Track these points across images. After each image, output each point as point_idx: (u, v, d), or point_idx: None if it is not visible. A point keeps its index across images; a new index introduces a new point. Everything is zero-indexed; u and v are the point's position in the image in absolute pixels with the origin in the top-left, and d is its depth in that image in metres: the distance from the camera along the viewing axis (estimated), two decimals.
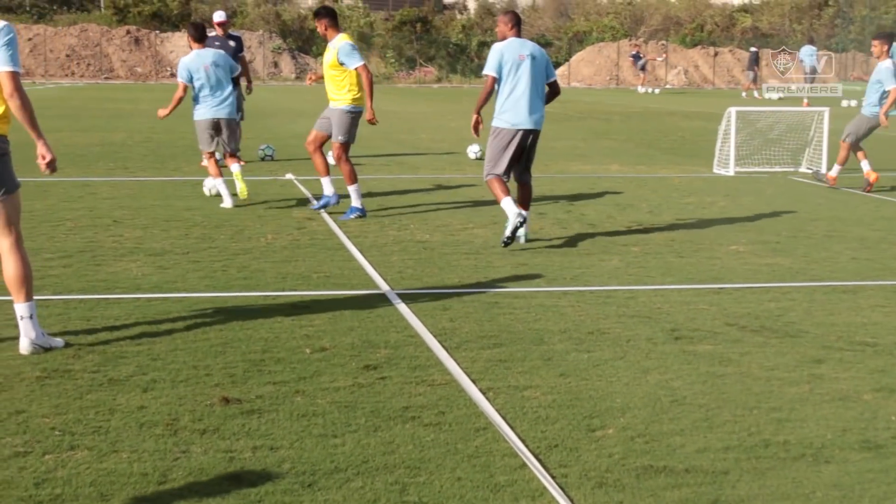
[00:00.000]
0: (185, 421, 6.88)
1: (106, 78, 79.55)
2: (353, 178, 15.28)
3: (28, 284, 8.39)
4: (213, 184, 16.46)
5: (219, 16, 22.44)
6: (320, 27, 15.49)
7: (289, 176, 19.68)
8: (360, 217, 14.94)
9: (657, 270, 11.89)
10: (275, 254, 12.47)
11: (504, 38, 13.40)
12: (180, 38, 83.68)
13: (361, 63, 15.09)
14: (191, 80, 15.75)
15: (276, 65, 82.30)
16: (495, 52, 13.21)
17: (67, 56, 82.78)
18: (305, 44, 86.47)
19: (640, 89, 70.64)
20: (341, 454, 6.37)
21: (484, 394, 7.50)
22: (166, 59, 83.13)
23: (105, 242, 12.97)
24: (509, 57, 13.00)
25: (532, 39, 14.04)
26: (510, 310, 9.95)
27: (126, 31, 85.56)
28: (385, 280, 11.08)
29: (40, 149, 8.56)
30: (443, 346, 8.64)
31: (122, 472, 6.05)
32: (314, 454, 6.36)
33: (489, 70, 13.17)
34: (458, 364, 8.17)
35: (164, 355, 8.29)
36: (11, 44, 8.26)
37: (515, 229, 12.72)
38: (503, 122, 13.15)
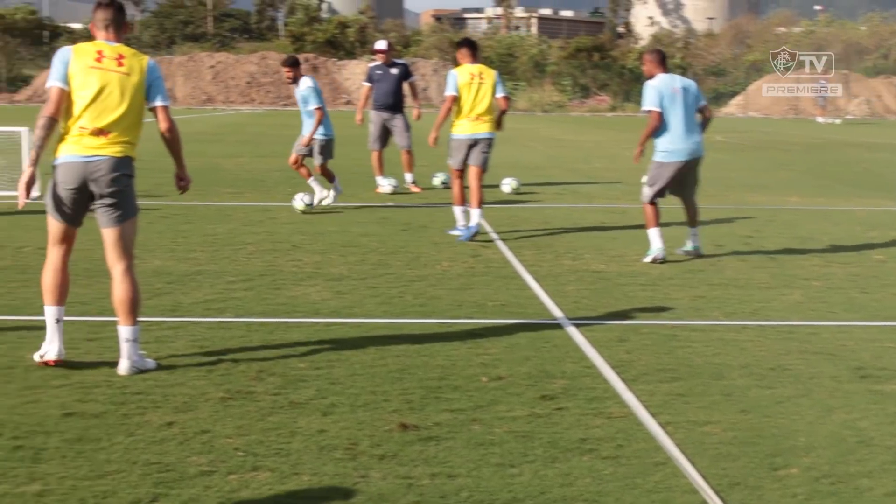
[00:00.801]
0: (364, 446, 6.94)
1: (284, 105, 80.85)
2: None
3: (136, 308, 8.65)
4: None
5: (380, 44, 22.66)
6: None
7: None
8: (473, 235, 15.61)
9: (840, 306, 11.67)
10: (450, 281, 12.52)
11: (652, 76, 13.76)
12: (356, 66, 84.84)
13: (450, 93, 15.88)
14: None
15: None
16: (652, 89, 13.56)
17: (248, 83, 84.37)
18: None
19: (820, 120, 69.57)
20: (518, 484, 6.36)
21: (663, 428, 7.42)
22: (342, 87, 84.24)
23: (285, 267, 13.16)
24: (666, 91, 13.31)
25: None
26: (688, 343, 9.84)
27: (304, 58, 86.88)
28: (561, 309, 11.04)
29: (182, 172, 9.08)
30: (620, 378, 8.58)
31: (303, 495, 6.12)
32: (492, 483, 6.36)
33: (652, 106, 13.50)
34: (636, 397, 8.10)
35: (343, 380, 8.37)
36: (162, 79, 8.81)
37: (655, 261, 13.52)
38: (666, 156, 13.59)
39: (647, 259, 13.54)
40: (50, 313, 8.62)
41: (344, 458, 6.70)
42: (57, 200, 8.52)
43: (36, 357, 8.64)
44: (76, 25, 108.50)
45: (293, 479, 6.34)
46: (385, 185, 21.52)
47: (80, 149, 8.40)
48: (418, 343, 9.55)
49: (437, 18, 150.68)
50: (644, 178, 20.77)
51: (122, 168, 8.50)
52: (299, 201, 18.35)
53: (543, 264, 13.63)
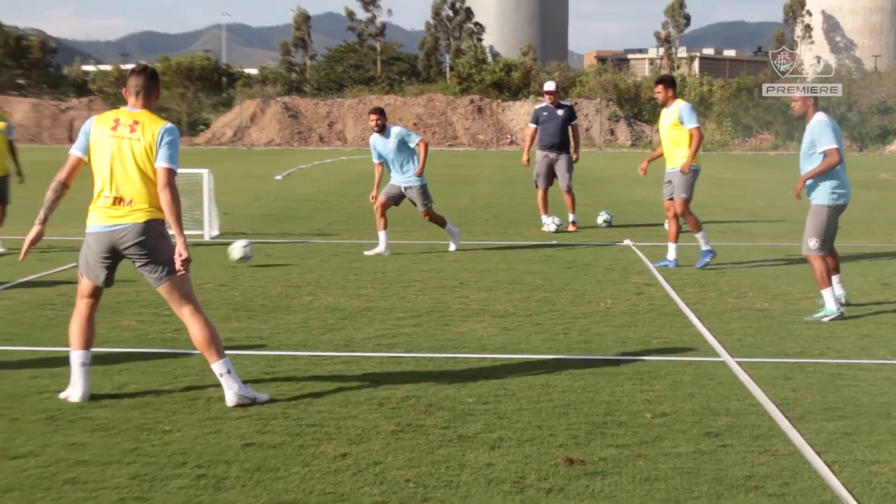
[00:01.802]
0: (531, 479, 6.95)
1: (450, 145, 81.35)
2: (699, 226, 16.51)
3: (215, 344, 8.72)
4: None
5: (549, 85, 22.65)
6: (664, 94, 16.60)
7: (626, 242, 19.67)
8: (712, 258, 16.29)
9: None
10: (614, 318, 12.48)
11: (803, 116, 13.10)
12: (521, 107, 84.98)
13: (695, 125, 16.42)
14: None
15: (612, 132, 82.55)
16: (828, 126, 12.65)
17: (415, 124, 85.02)
18: (642, 112, 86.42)
19: None
20: None
21: (829, 466, 7.29)
22: (507, 127, 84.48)
23: (452, 303, 13.23)
24: (837, 130, 12.70)
25: (872, 105, 13.68)
26: (854, 382, 9.65)
27: (469, 100, 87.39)
28: (724, 347, 10.91)
29: (179, 246, 8.57)
30: (785, 416, 8.45)
31: None
32: None
33: (834, 143, 12.56)
34: (802, 435, 7.97)
35: (509, 414, 8.39)
36: (173, 145, 8.65)
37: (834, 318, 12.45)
38: (838, 198, 12.75)
39: (826, 319, 12.40)
40: (75, 357, 8.75)
41: (512, 492, 6.72)
42: (86, 264, 8.74)
43: (61, 395, 8.79)
44: (252, 70, 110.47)
45: None
46: (549, 223, 21.50)
47: (104, 218, 8.59)
48: (583, 379, 9.54)
49: (601, 59, 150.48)
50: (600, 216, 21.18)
51: (147, 233, 8.56)
52: (238, 249, 16.58)
53: (707, 302, 13.51)
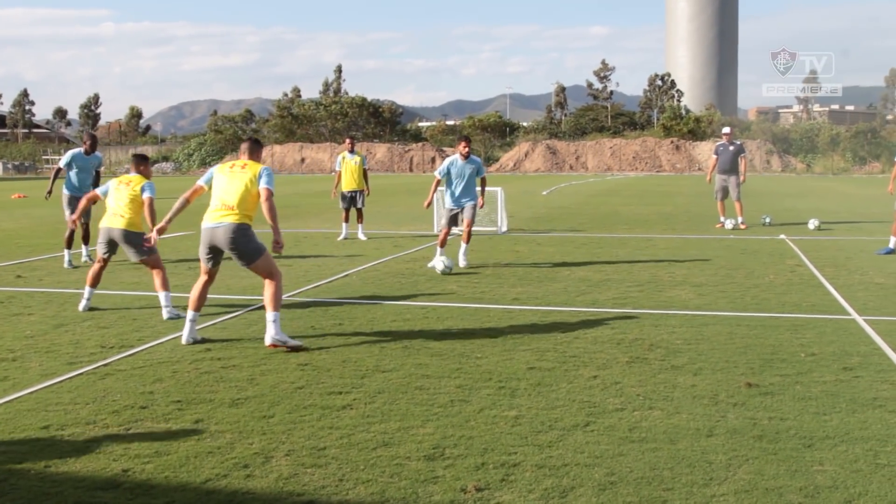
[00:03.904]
0: (722, 396, 6.73)
1: (657, 171, 79.77)
2: None
3: (275, 302, 8.36)
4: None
5: (726, 129, 22.44)
6: None
7: (782, 236, 18.89)
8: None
9: None
10: (776, 288, 11.98)
11: None
12: (704, 146, 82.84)
13: None
14: None
15: (768, 162, 79.58)
16: None
17: (633, 157, 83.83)
18: (789, 148, 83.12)
19: None
20: (830, 427, 6.01)
21: None
22: (696, 159, 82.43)
23: (663, 277, 12.94)
24: None
25: None
26: None
27: (671, 141, 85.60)
28: (854, 309, 10.37)
29: (276, 236, 8.44)
30: None
31: (683, 426, 6.00)
32: (811, 425, 6.04)
33: None
34: None
35: (706, 352, 8.15)
36: (269, 174, 8.54)
37: None
38: None
39: None
40: (189, 315, 8.60)
41: (709, 404, 6.52)
42: (202, 251, 8.68)
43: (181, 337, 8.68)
44: (525, 123, 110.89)
45: (675, 416, 6.23)
46: (728, 223, 20.91)
47: (212, 219, 8.49)
48: (756, 329, 9.20)
49: (761, 112, 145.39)
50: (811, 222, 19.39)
51: (238, 231, 8.37)
52: (440, 264, 13.16)
53: (840, 277, 12.84)
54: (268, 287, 8.48)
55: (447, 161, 13.81)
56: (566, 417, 6.19)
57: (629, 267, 13.99)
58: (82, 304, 10.35)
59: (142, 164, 10.74)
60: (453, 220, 13.87)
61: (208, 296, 9.12)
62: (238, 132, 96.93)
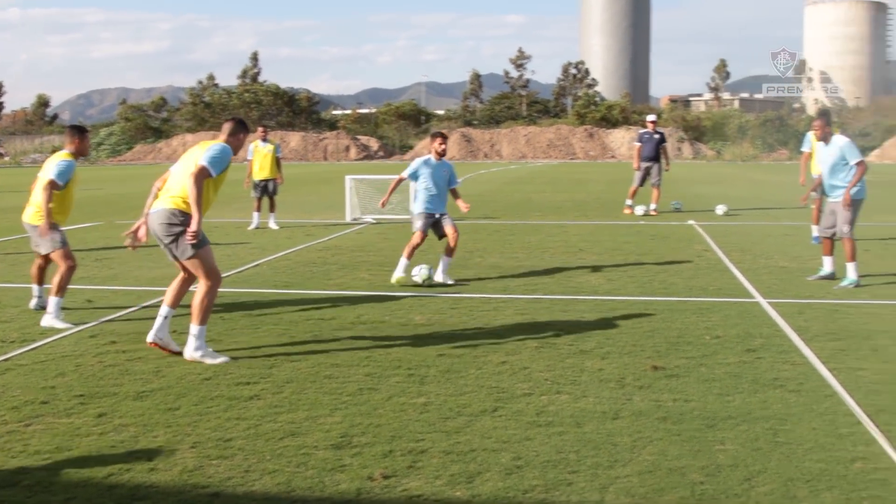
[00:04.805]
0: (629, 379, 6.85)
1: (571, 158, 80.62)
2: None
3: (202, 313, 7.40)
4: None
5: (651, 117, 22.61)
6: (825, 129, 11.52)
7: (690, 222, 19.27)
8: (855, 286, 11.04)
9: None
10: (683, 272, 12.21)
11: (826, 137, 11.39)
12: (618, 133, 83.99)
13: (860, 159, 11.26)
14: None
15: (679, 149, 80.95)
16: (854, 144, 11.36)
17: (548, 145, 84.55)
18: (700, 135, 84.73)
19: None
20: (732, 407, 6.16)
21: (830, 371, 7.07)
22: (609, 147, 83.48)
23: (574, 263, 13.08)
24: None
25: (855, 131, 12.54)
26: (846, 315, 9.33)
27: (585, 128, 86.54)
28: (759, 292, 10.64)
29: (193, 224, 7.21)
30: (800, 338, 8.21)
31: (589, 410, 6.09)
32: (714, 406, 6.18)
33: (862, 156, 11.21)
34: (812, 351, 7.75)
35: (613, 336, 8.28)
36: (216, 154, 7.40)
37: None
38: (864, 193, 11.31)
39: (851, 287, 10.94)
40: (163, 310, 7.59)
41: (616, 387, 6.63)
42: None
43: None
44: (441, 111, 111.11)
45: (582, 400, 6.32)
46: (638, 209, 21.24)
47: (153, 206, 7.55)
48: (663, 313, 9.38)
49: (672, 101, 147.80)
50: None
51: (167, 217, 7.36)
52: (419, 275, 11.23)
53: (745, 262, 13.16)
54: (198, 292, 7.44)
55: (419, 162, 11.58)
56: (474, 403, 6.23)
57: (541, 254, 14.12)
58: (33, 303, 9.65)
59: (73, 137, 9.28)
60: (434, 227, 11.61)
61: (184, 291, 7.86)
62: (148, 121, 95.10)
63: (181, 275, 7.69)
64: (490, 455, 5.26)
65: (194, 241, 7.28)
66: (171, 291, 7.71)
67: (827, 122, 11.56)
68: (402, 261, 11.37)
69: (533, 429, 5.71)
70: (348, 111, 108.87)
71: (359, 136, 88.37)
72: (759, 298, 10.26)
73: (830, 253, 11.55)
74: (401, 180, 11.59)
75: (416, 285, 11.02)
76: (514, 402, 6.27)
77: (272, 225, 18.44)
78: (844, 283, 11.09)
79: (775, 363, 7.37)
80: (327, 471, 5.03)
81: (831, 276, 11.53)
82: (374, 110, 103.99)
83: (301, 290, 10.93)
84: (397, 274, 11.26)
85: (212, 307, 7.59)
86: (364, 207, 20.72)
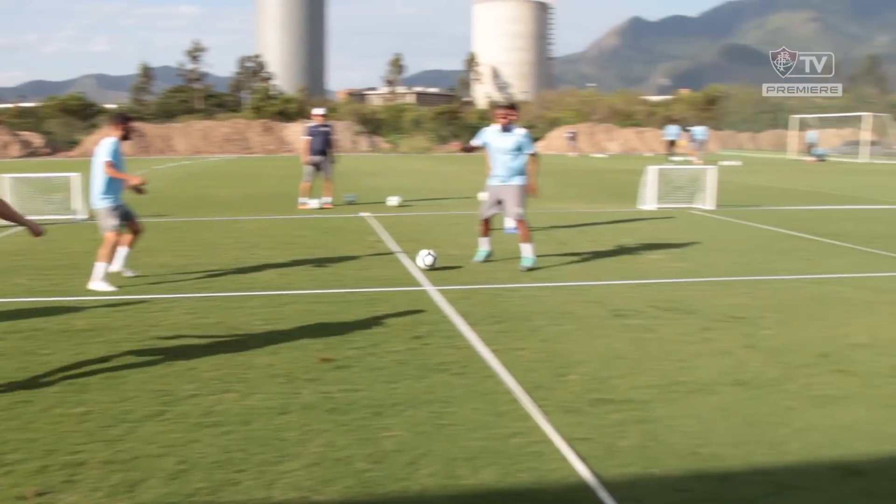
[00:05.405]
0: (298, 373, 6.88)
1: (248, 153, 79.77)
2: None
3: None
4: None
5: (318, 110, 22.60)
6: (510, 117, 12.16)
7: (364, 214, 19.63)
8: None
9: (604, 271, 11.81)
10: (355, 263, 12.42)
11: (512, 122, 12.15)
12: (296, 127, 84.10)
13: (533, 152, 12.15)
14: None
15: (355, 142, 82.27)
16: (529, 135, 12.16)
17: (224, 139, 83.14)
18: (376, 129, 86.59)
19: (572, 154, 69.21)
20: (399, 394, 6.36)
21: (493, 353, 7.47)
22: (286, 141, 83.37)
23: (247, 259, 12.94)
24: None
25: (522, 123, 13.34)
26: (508, 299, 9.89)
27: (261, 123, 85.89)
28: (428, 280, 11.03)
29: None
30: (465, 323, 8.60)
31: (258, 407, 6.07)
32: (381, 394, 6.35)
33: (534, 148, 12.08)
34: (476, 334, 8.14)
35: (284, 331, 8.28)
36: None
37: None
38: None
39: (532, 265, 11.91)
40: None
41: (285, 382, 6.65)
42: None
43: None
44: (111, 105, 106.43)
45: (250, 397, 6.28)
46: (313, 202, 21.34)
47: None
48: (334, 306, 9.49)
49: (349, 94, 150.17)
50: (482, 195, 20.50)
51: None
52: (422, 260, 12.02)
53: (416, 251, 13.56)
54: None
55: (110, 151, 10.67)
56: (138, 409, 6.02)
57: (214, 251, 13.85)
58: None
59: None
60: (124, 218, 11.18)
61: None
62: None
63: None
64: (154, 461, 5.11)
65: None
66: None
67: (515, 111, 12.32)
68: (101, 265, 10.60)
69: (199, 430, 5.60)
70: (10, 105, 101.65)
71: (20, 132, 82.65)
72: (427, 286, 10.63)
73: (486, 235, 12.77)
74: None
75: (92, 292, 10.47)
76: (180, 404, 6.12)
77: None
78: (526, 263, 11.98)
79: (441, 348, 7.68)
80: None
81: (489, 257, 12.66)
82: (38, 103, 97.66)
83: None
84: (97, 282, 10.55)
85: None
86: (25, 209, 19.38)
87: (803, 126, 66.60)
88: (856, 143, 66.03)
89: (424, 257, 12.04)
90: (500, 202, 12.24)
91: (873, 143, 64.11)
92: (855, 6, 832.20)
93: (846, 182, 33.30)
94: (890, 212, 21.11)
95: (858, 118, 68.68)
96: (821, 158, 58.71)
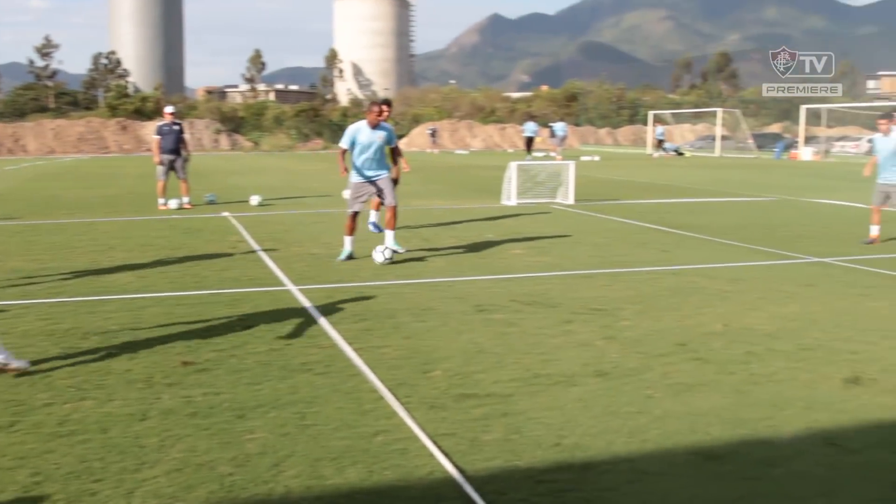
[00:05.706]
0: (157, 378, 6.73)
1: (104, 152, 77.47)
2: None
3: None
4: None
5: (169, 108, 22.07)
6: (385, 113, 12.65)
7: (225, 214, 19.36)
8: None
9: (467, 267, 11.95)
10: (217, 264, 12.24)
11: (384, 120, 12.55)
12: (152, 125, 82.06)
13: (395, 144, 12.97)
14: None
15: (216, 141, 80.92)
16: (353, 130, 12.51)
17: (78, 139, 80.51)
18: (237, 127, 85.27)
19: (435, 151, 69.84)
20: (262, 395, 6.29)
21: (356, 352, 7.46)
22: (144, 139, 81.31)
23: (103, 262, 12.58)
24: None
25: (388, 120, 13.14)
26: (371, 296, 9.90)
27: (117, 121, 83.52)
28: (290, 280, 10.96)
29: None
30: (328, 322, 8.58)
31: (116, 413, 5.91)
32: (244, 396, 6.27)
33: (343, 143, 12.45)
34: (339, 333, 8.12)
35: (142, 335, 8.08)
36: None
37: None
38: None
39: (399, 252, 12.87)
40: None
41: (144, 387, 6.49)
42: None
43: None
44: None
45: (108, 404, 6.11)
46: (172, 203, 20.90)
47: None
48: (195, 308, 9.32)
49: (209, 92, 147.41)
50: (345, 193, 20.48)
51: None
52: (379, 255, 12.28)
53: (279, 250, 13.49)
54: None
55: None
56: None
57: (67, 254, 13.40)
58: None
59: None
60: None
61: None
62: None
63: None
64: (6, 474, 4.92)
65: None
66: None
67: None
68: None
69: (54, 440, 5.42)
70: None
71: None
72: (290, 286, 10.55)
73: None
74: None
75: None
76: (34, 413, 5.91)
77: None
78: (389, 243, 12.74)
79: (304, 348, 7.63)
80: None
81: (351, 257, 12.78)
82: None
83: None
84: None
85: None
86: None
87: (657, 122, 68.71)
88: (710, 138, 68.57)
89: (383, 251, 12.33)
90: (372, 195, 12.78)
91: (725, 138, 66.65)
92: (706, 6, 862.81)
93: (701, 176, 34.56)
94: (741, 204, 22.01)
95: (712, 114, 71.30)
96: (678, 153, 60.81)
